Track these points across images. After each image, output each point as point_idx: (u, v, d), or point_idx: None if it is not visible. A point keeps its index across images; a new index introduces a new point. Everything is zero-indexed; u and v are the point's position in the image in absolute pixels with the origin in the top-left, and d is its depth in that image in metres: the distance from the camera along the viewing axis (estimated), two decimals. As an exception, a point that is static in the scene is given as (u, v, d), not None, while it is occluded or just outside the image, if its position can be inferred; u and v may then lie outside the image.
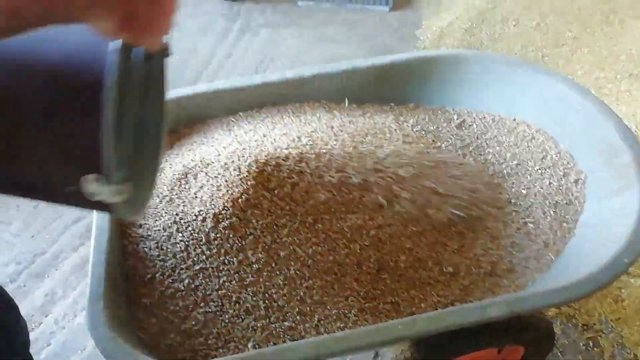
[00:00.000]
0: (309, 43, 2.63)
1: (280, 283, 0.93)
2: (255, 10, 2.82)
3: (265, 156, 1.01)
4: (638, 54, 2.20)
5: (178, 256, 0.96)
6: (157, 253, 0.98)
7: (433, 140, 1.17)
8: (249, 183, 0.98)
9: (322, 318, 0.90)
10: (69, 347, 1.58)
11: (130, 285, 0.96)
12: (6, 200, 1.95)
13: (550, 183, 1.08)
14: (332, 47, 2.60)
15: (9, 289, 1.70)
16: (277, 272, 0.94)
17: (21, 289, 1.71)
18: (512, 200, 1.08)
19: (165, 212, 1.02)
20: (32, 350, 1.55)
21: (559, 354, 1.55)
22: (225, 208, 0.97)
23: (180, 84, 2.41)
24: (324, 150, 1.03)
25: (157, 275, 0.96)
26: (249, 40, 2.63)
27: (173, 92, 1.21)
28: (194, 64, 2.49)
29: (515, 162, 1.14)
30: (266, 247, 0.95)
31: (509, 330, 1.11)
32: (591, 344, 1.56)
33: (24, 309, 1.65)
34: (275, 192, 0.98)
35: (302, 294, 0.92)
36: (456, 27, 2.59)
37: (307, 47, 2.61)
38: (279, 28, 2.72)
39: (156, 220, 1.02)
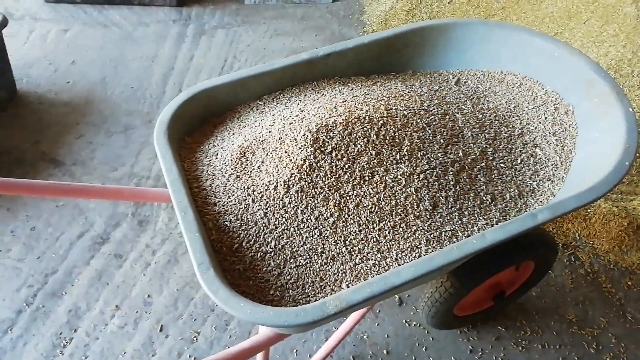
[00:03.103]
0: (266, 38, 2.73)
1: (356, 230, 1.06)
2: (205, 14, 2.87)
3: (316, 125, 1.13)
4: (559, 15, 2.54)
5: (260, 223, 1.06)
6: (238, 224, 1.06)
7: (443, 97, 1.35)
8: (308, 150, 1.10)
9: (399, 252, 1.05)
10: (108, 354, 1.59)
11: (220, 256, 1.04)
12: (-2, 227, 1.89)
13: (545, 117, 1.30)
14: (289, 40, 2.72)
15: (27, 312, 1.67)
16: (351, 222, 1.06)
17: (40, 310, 1.68)
18: (519, 136, 1.28)
19: (236, 188, 1.11)
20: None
21: (550, 271, 1.80)
22: (293, 174, 1.08)
23: (149, 90, 2.43)
24: (363, 114, 1.17)
25: (243, 243, 1.05)
26: (206, 41, 2.69)
27: (201, 85, 1.28)
28: (159, 69, 2.51)
29: (512, 106, 1.34)
30: (336, 202, 1.07)
31: (526, 247, 1.32)
32: (572, 258, 1.83)
33: (49, 330, 1.63)
34: (333, 154, 1.10)
35: (376, 236, 1.06)
36: (398, 10, 2.81)
37: (265, 42, 2.71)
38: (233, 27, 2.79)
39: (229, 196, 1.10)
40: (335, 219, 1.07)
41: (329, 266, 1.03)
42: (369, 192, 1.09)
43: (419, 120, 1.20)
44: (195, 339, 1.62)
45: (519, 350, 1.61)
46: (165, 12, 2.84)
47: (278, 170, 1.10)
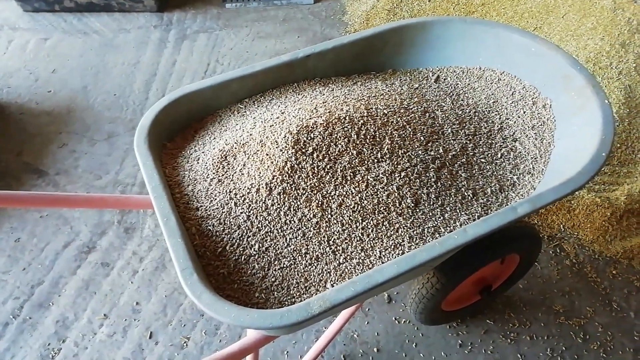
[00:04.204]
0: (248, 41, 2.73)
1: (340, 229, 1.06)
2: (186, 18, 2.86)
3: (297, 127, 1.13)
4: (537, 10, 2.57)
5: (243, 226, 1.06)
6: (221, 228, 1.06)
7: (422, 95, 1.36)
8: (289, 152, 1.10)
9: (382, 250, 1.05)
10: (98, 364, 1.58)
11: (204, 261, 1.04)
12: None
13: (524, 112, 1.31)
14: (272, 42, 2.72)
15: (14, 325, 1.65)
16: (334, 221, 1.07)
17: (27, 321, 1.67)
18: (499, 131, 1.29)
19: (218, 192, 1.11)
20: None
21: (536, 264, 1.82)
22: (275, 177, 1.08)
23: (132, 96, 2.42)
24: (343, 114, 1.17)
25: (227, 247, 1.05)
26: (188, 46, 2.68)
27: (181, 90, 1.28)
28: (141, 75, 2.49)
29: (491, 101, 1.36)
30: (319, 202, 1.08)
31: (509, 240, 1.34)
32: (558, 250, 1.85)
33: (37, 341, 1.62)
34: (314, 155, 1.11)
35: (359, 234, 1.06)
36: (379, 9, 2.82)
37: (247, 45, 2.71)
38: (215, 31, 2.78)
39: (211, 201, 1.10)
40: (319, 219, 1.07)
41: (314, 267, 1.03)
42: (351, 191, 1.09)
43: (399, 119, 1.21)
44: (185, 344, 1.61)
45: (507, 342, 1.62)
46: (146, 17, 2.82)
47: (260, 172, 1.10)
